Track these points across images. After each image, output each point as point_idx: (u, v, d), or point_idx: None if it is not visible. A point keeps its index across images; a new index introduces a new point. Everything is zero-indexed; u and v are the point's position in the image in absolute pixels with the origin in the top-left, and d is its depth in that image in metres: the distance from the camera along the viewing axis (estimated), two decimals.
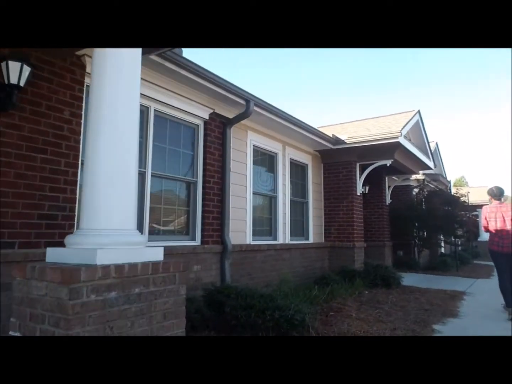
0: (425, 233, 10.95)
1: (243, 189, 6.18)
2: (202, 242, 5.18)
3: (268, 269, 6.50)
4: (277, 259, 6.75)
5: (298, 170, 8.02)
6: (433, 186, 13.57)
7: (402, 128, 7.55)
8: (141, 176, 4.40)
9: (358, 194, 8.50)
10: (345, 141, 7.98)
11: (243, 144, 6.26)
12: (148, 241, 3.31)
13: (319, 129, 7.84)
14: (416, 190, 11.57)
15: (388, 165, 8.18)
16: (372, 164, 8.38)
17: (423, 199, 11.04)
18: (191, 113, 5.16)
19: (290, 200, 7.49)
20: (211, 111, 5.38)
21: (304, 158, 8.06)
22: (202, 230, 5.20)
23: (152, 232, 4.71)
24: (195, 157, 5.29)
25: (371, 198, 10.36)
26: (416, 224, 10.53)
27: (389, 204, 10.54)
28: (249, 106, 5.37)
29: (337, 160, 8.53)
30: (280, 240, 7.00)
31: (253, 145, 6.50)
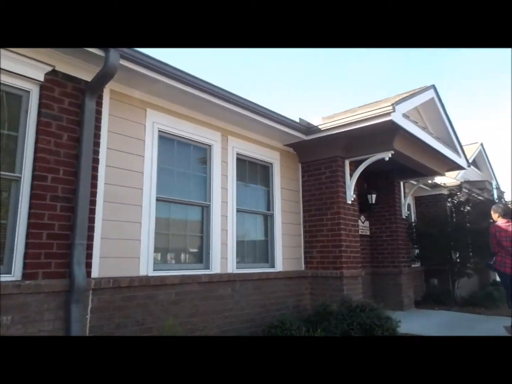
0: (459, 255, 7.99)
1: (137, 193, 4.15)
2: (25, 276, 3.18)
3: (186, 313, 4.32)
4: (205, 298, 4.56)
5: (255, 171, 5.85)
6: (480, 197, 10.55)
7: (396, 102, 5.17)
8: None
9: (349, 202, 6.10)
10: (320, 127, 5.73)
11: (138, 128, 4.28)
12: None
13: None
14: (453, 200, 8.74)
15: (387, 159, 5.75)
16: (366, 159, 6.00)
17: (460, 212, 8.11)
18: (14, 73, 3.30)
19: (238, 212, 5.32)
20: (50, 68, 3.48)
21: (266, 154, 5.89)
22: (25, 256, 3.21)
23: None
24: (21, 140, 3.38)
25: (380, 210, 7.84)
26: (452, 244, 7.67)
27: (407, 217, 7.92)
28: (108, 57, 3.41)
29: (318, 158, 6.25)
30: (216, 269, 4.81)
31: (160, 130, 4.49)
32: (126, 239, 3.96)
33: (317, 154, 6.26)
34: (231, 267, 5.02)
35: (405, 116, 5.49)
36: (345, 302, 5.04)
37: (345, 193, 6.08)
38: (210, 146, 5.05)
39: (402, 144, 5.84)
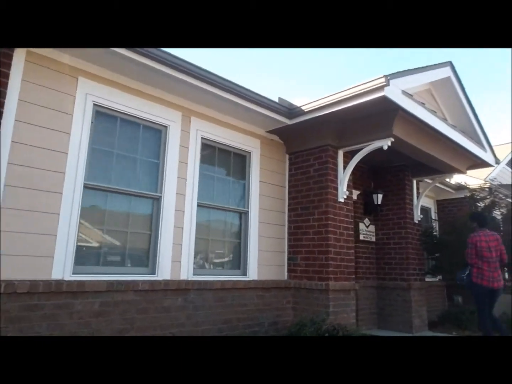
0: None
1: (57, 178, 3.39)
2: None
3: (115, 329, 3.49)
4: (144, 310, 3.72)
5: (228, 161, 4.98)
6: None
7: (393, 75, 4.16)
8: None
9: (341, 200, 5.11)
10: (303, 108, 4.79)
11: (66, 99, 3.52)
12: None
13: None
14: (476, 203, 7.48)
15: (386, 148, 4.72)
16: (362, 149, 4.99)
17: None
18: None
19: (200, 207, 4.46)
20: None
21: (242, 141, 5.02)
22: None
23: None
24: None
25: (388, 213, 6.74)
26: None
27: (420, 221, 6.75)
28: None
29: (307, 147, 5.30)
30: (165, 275, 3.97)
31: (96, 104, 3.72)
32: (35, 233, 3.19)
33: (305, 143, 5.31)
34: (186, 273, 4.16)
35: (407, 94, 4.46)
36: (314, 324, 4.04)
37: (336, 189, 5.09)
38: (166, 127, 4.24)
39: (405, 129, 4.79)
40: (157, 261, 3.95)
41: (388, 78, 4.01)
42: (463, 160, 6.15)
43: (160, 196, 4.08)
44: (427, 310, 7.23)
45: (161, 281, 3.87)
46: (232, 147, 4.94)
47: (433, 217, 7.61)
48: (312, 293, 4.90)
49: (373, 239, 6.74)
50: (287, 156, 5.60)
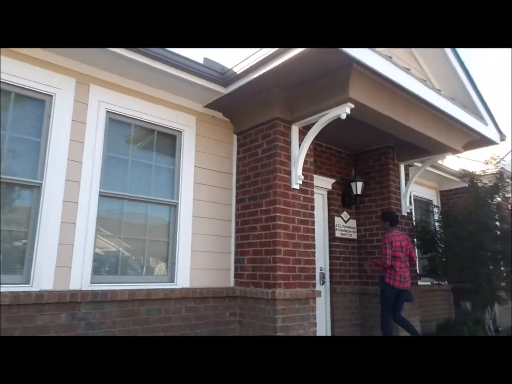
0: (484, 268, 5.34)
1: None
2: None
3: None
4: (3, 331, 2.81)
5: (150, 141, 4.05)
6: None
7: None
8: None
9: (295, 186, 4.09)
10: (235, 70, 3.81)
11: None
12: None
13: None
14: (476, 190, 6.14)
15: (344, 116, 3.68)
16: (317, 121, 3.96)
17: (486, 206, 5.47)
18: None
19: (103, 197, 3.54)
20: None
21: (168, 117, 4.08)
22: None
23: None
24: None
25: (371, 204, 5.65)
26: (473, 251, 5.13)
27: (409, 213, 5.62)
28: None
29: (255, 123, 4.32)
30: (45, 283, 3.06)
31: None
32: None
33: (252, 118, 4.34)
34: (79, 282, 3.23)
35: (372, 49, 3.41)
36: None
37: (289, 172, 4.08)
38: (51, 96, 3.35)
39: (370, 93, 3.73)
40: (32, 267, 3.04)
41: None
42: (457, 136, 5.00)
43: (40, 184, 3.18)
44: (425, 320, 6.10)
45: (33, 292, 2.96)
46: (155, 124, 4.00)
47: (435, 210, 6.44)
48: (258, 303, 3.89)
49: (354, 236, 5.65)
50: (235, 137, 4.64)
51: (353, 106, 3.65)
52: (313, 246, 4.16)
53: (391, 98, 3.96)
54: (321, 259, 5.32)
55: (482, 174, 5.69)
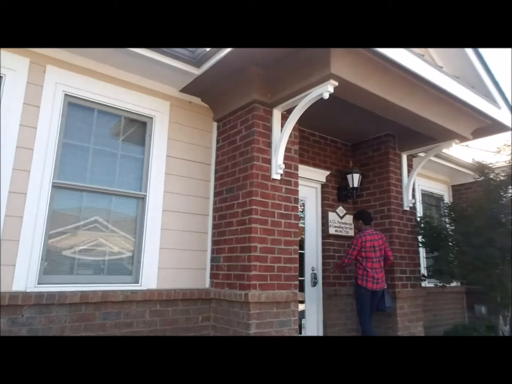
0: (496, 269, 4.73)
1: None
2: None
3: None
4: None
5: (116, 128, 3.70)
6: None
7: None
8: None
9: (275, 176, 3.67)
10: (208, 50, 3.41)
11: None
12: None
13: None
14: (486, 180, 5.44)
15: (326, 96, 3.23)
16: (298, 103, 3.53)
17: (498, 198, 4.87)
18: None
19: (56, 188, 3.21)
20: None
21: (137, 102, 3.72)
22: None
23: None
24: None
25: (369, 198, 5.18)
26: (479, 249, 4.53)
27: (412, 208, 5.11)
28: None
29: (233, 108, 3.92)
30: None
31: None
32: None
33: (231, 103, 3.94)
34: (24, 282, 2.91)
35: None
36: None
37: (268, 161, 3.67)
38: (0, 77, 3.04)
39: (356, 68, 3.27)
40: None
41: None
42: (465, 121, 4.47)
43: None
44: (432, 326, 5.60)
45: None
46: (121, 109, 3.65)
47: (441, 205, 5.89)
48: (233, 307, 3.50)
49: (350, 233, 5.18)
50: (215, 124, 4.25)
51: (336, 83, 3.20)
52: (296, 243, 3.73)
53: (384, 76, 3.49)
54: (313, 258, 4.88)
55: (493, 164, 5.10)
